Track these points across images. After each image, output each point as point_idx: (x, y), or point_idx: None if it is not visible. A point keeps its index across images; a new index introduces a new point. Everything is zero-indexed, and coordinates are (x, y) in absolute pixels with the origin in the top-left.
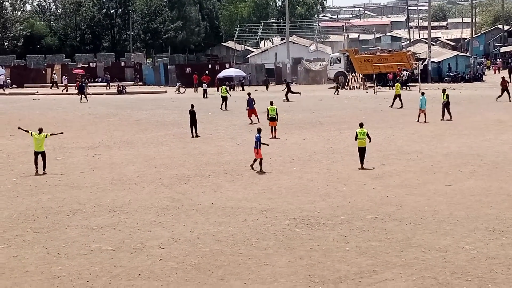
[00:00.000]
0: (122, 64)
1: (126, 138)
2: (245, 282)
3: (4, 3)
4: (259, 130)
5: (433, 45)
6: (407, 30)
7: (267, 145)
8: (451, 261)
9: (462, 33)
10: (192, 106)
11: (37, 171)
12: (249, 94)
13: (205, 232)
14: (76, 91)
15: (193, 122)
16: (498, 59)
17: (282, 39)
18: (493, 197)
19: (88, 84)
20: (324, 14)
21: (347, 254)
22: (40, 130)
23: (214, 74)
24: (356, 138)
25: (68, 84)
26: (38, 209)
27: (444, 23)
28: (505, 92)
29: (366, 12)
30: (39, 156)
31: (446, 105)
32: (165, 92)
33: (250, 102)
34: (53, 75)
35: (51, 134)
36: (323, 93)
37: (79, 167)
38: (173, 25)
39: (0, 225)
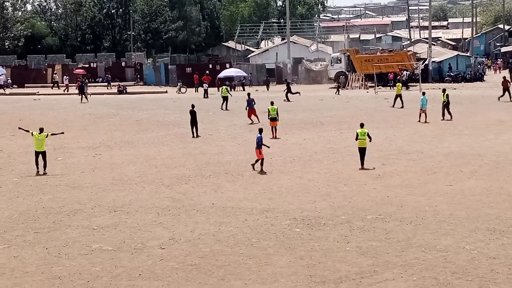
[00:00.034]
0: (123, 64)
1: (127, 138)
2: (245, 282)
3: (5, 3)
4: (260, 130)
5: (434, 45)
6: (407, 30)
7: (268, 147)
8: (452, 261)
9: (462, 33)
10: (193, 106)
11: (38, 171)
12: (248, 94)
13: (206, 232)
14: (77, 91)
15: (194, 122)
16: (498, 59)
17: (282, 39)
18: (493, 197)
19: (89, 84)
20: (325, 14)
21: (347, 254)
22: (41, 130)
23: (215, 74)
24: (356, 139)
25: (69, 84)
26: (38, 209)
27: (445, 23)
28: (507, 92)
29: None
30: (40, 156)
31: (446, 105)
32: (166, 92)
33: (250, 103)
34: (54, 75)
35: (52, 134)
36: (323, 93)
37: (79, 167)
38: (173, 25)
39: (0, 225)
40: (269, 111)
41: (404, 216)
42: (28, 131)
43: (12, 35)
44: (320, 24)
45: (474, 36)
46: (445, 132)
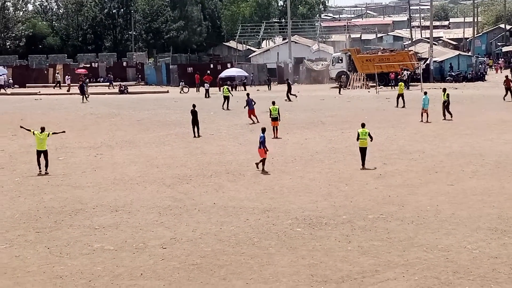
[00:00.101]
0: (124, 64)
1: (128, 138)
2: (247, 282)
3: (6, 3)
4: (263, 130)
5: (435, 44)
6: (409, 29)
7: (267, 150)
8: (453, 260)
9: (464, 32)
10: (194, 106)
11: (40, 171)
12: (248, 94)
13: (207, 232)
14: (79, 91)
15: (195, 122)
16: (500, 59)
17: (284, 39)
18: (495, 197)
19: (89, 84)
20: (326, 14)
21: (349, 253)
22: (42, 129)
23: (216, 74)
24: (357, 139)
25: (71, 84)
26: (40, 209)
27: (446, 23)
28: (509, 92)
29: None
30: (42, 156)
31: (446, 104)
32: (167, 92)
33: (249, 103)
34: (56, 74)
35: (53, 133)
36: (325, 93)
37: (81, 167)
38: (175, 25)
39: (2, 225)
40: (270, 111)
41: (405, 215)
42: (29, 130)
43: (14, 35)
44: (321, 24)
45: (475, 35)
46: (446, 131)
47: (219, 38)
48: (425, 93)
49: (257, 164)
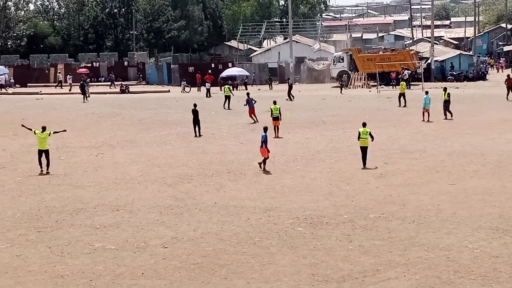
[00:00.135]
0: (125, 63)
1: (129, 137)
2: (248, 281)
3: (8, 2)
4: (265, 129)
5: (436, 44)
6: (410, 29)
7: (268, 151)
8: (455, 260)
9: (465, 32)
10: (195, 105)
11: (41, 171)
12: (247, 94)
13: (208, 231)
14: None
15: (196, 121)
16: (501, 58)
17: (285, 38)
18: (496, 196)
19: (90, 83)
20: (327, 13)
21: (350, 253)
22: (44, 128)
23: (217, 74)
24: (358, 138)
25: (73, 84)
26: (41, 208)
27: (447, 22)
28: (511, 91)
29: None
30: (43, 155)
31: (446, 104)
32: (168, 91)
33: (250, 102)
34: (58, 74)
35: (54, 132)
36: (326, 92)
37: (82, 167)
38: (176, 24)
39: (3, 224)
40: (271, 110)
41: (406, 215)
42: (30, 129)
43: (15, 34)
44: (322, 23)
45: (476, 35)
46: (447, 131)
47: (220, 37)
48: (426, 92)
49: (260, 163)
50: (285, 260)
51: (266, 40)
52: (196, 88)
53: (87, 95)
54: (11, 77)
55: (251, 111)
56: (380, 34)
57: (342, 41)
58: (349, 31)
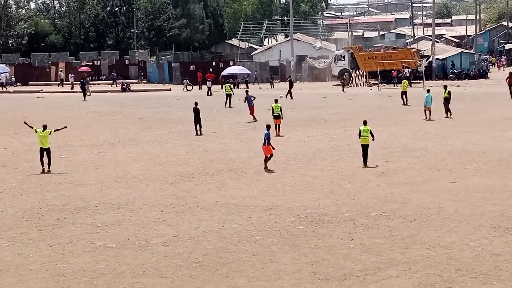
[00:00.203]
0: (126, 62)
1: (131, 136)
2: (249, 280)
3: (9, 1)
4: (268, 127)
5: (438, 42)
6: (411, 27)
7: (273, 148)
8: (456, 258)
9: (466, 30)
10: (196, 103)
11: (43, 170)
12: (247, 91)
13: (210, 230)
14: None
15: (197, 120)
16: (502, 56)
17: (286, 37)
18: (497, 194)
19: (91, 82)
20: (328, 12)
21: (351, 251)
22: (44, 127)
23: (218, 72)
24: (359, 136)
25: (74, 82)
26: (42, 207)
27: (449, 20)
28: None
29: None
30: (44, 154)
31: (446, 101)
32: (169, 90)
33: (249, 99)
34: (59, 72)
35: (55, 130)
36: (327, 91)
37: (83, 165)
38: (177, 22)
39: (5, 223)
40: (272, 109)
41: (408, 213)
42: (32, 127)
43: (16, 33)
44: (323, 21)
45: (478, 33)
46: (449, 129)
47: (221, 36)
48: (428, 90)
49: (265, 164)
50: (286, 259)
51: (267, 38)
52: (197, 86)
53: (88, 94)
54: (12, 76)
55: (252, 109)
56: (381, 32)
57: (343, 39)
58: (350, 29)
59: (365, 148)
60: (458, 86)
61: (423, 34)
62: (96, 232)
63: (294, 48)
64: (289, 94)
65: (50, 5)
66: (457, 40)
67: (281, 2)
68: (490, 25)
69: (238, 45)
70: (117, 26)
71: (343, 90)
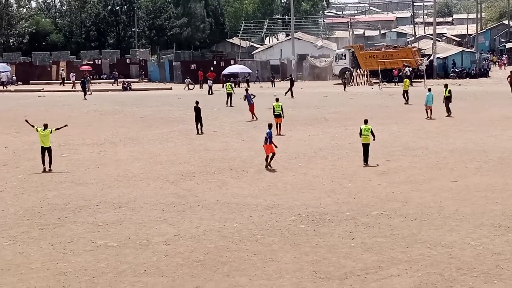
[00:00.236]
0: (127, 61)
1: (131, 134)
2: (250, 279)
3: (10, 0)
4: (270, 126)
5: (439, 41)
6: (412, 26)
7: (276, 146)
8: (457, 257)
9: (467, 29)
10: (197, 102)
11: (44, 169)
12: (246, 90)
13: (211, 229)
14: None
15: (198, 119)
16: (504, 55)
17: (287, 36)
18: (498, 193)
19: (92, 81)
20: (329, 10)
21: (352, 250)
22: (45, 126)
23: (219, 71)
24: (360, 135)
25: (76, 81)
26: (44, 206)
27: (450, 19)
28: None
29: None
30: (46, 152)
31: (447, 100)
32: (170, 88)
33: (249, 98)
34: (61, 71)
35: (56, 129)
36: (328, 90)
37: (84, 164)
38: (178, 21)
39: (6, 222)
40: (273, 108)
41: (409, 212)
42: (33, 126)
43: (17, 32)
44: (324, 20)
45: (479, 32)
46: (450, 128)
47: (222, 34)
48: (429, 89)
49: (270, 164)
50: (287, 257)
51: (268, 37)
52: (198, 85)
53: (90, 92)
54: (13, 75)
55: (252, 108)
56: (382, 31)
57: (344, 38)
58: (351, 28)
59: (365, 147)
60: (459, 85)
61: (424, 33)
62: (97, 231)
63: (295, 47)
64: (289, 93)
65: (51, 4)
66: (458, 39)
67: (282, 1)
68: (491, 24)
69: (239, 44)
70: (118, 25)
71: (344, 89)
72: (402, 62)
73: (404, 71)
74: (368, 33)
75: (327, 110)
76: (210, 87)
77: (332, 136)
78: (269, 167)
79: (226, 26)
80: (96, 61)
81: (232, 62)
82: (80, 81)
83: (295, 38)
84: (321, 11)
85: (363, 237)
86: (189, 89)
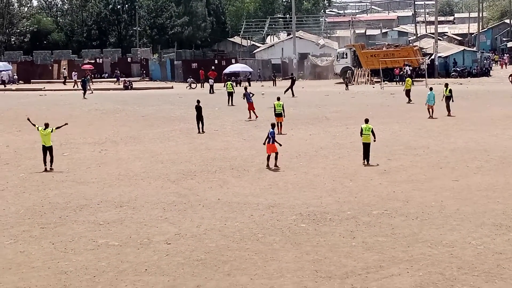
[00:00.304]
0: (129, 59)
1: (133, 133)
2: (251, 278)
3: None
4: (273, 125)
5: (440, 40)
6: (413, 25)
7: (280, 144)
8: (458, 256)
9: (469, 28)
10: (198, 101)
11: (45, 168)
12: (245, 88)
13: (212, 228)
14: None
15: (199, 118)
16: (505, 54)
17: (288, 34)
18: (500, 192)
19: (94, 79)
20: (331, 9)
21: (353, 249)
22: (46, 125)
23: (221, 70)
24: (361, 134)
25: (77, 80)
26: (45, 205)
27: (451, 18)
28: None
29: (372, 7)
30: (47, 152)
31: (447, 100)
32: (172, 87)
33: (248, 96)
34: (62, 70)
35: (57, 128)
36: (329, 89)
37: (85, 163)
38: (179, 20)
39: (7, 221)
40: (274, 107)
41: (410, 211)
42: (34, 125)
43: (18, 31)
44: (326, 19)
45: (480, 31)
46: (451, 127)
47: (223, 33)
48: (431, 89)
49: (275, 164)
50: (288, 257)
51: (269, 36)
52: (200, 84)
53: (91, 91)
54: (15, 73)
55: (250, 106)
56: (383, 30)
57: (346, 37)
58: (352, 27)
59: (366, 146)
60: (461, 84)
61: (426, 32)
62: (98, 230)
63: (296, 46)
64: (290, 91)
65: (53, 3)
66: (459, 38)
67: (283, 0)
68: (493, 23)
69: (240, 43)
70: (119, 24)
71: (346, 88)
72: (403, 61)
73: (405, 70)
74: (369, 32)
75: (328, 109)
76: (212, 86)
77: (333, 135)
78: (276, 167)
79: (227, 25)
80: (98, 60)
81: (233, 61)
82: (80, 80)
83: (296, 37)
84: (322, 10)
85: (364, 236)
86: (191, 88)
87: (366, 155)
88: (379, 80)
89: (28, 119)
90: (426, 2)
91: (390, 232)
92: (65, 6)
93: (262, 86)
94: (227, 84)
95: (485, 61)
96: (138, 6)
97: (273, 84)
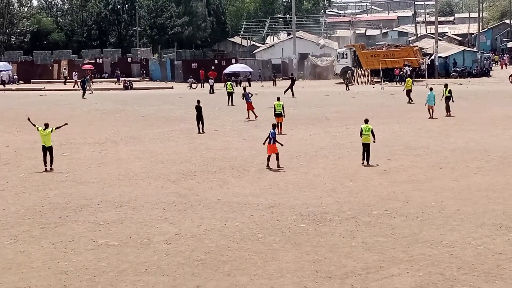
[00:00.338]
0: (129, 59)
1: (133, 133)
2: (251, 278)
3: None
4: (274, 126)
5: (440, 40)
6: (414, 25)
7: (282, 144)
8: (458, 256)
9: (469, 28)
10: (198, 101)
11: (46, 169)
12: (244, 88)
13: (212, 228)
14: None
15: (200, 118)
16: (505, 54)
17: (288, 35)
18: (500, 193)
19: (94, 79)
20: (331, 9)
21: (353, 249)
22: (46, 126)
23: (221, 70)
24: (361, 134)
25: (78, 80)
26: (45, 205)
27: (451, 18)
28: None
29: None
30: (47, 152)
31: (447, 100)
32: (172, 87)
33: (247, 96)
34: (63, 70)
35: (56, 128)
36: (329, 89)
37: (85, 163)
38: (179, 20)
39: (7, 221)
40: (274, 107)
41: (410, 211)
42: (34, 125)
43: (18, 30)
44: (326, 19)
45: (480, 31)
46: (451, 127)
47: (223, 33)
48: (431, 89)
49: (278, 164)
50: (288, 257)
51: (269, 36)
52: (200, 84)
53: (91, 91)
54: (15, 73)
55: (249, 106)
56: (383, 30)
57: (346, 37)
58: (352, 27)
59: (366, 146)
60: (461, 84)
61: (426, 32)
62: (98, 230)
63: (296, 46)
64: (290, 91)
65: (53, 3)
66: (459, 38)
67: (283, 0)
68: (493, 23)
69: (240, 43)
70: (119, 24)
71: (347, 88)
72: (403, 61)
73: (404, 70)
74: (369, 32)
75: (328, 109)
76: (212, 86)
77: (333, 135)
78: (279, 167)
79: (227, 25)
80: (98, 60)
81: (233, 61)
82: (80, 80)
83: (296, 37)
84: (322, 10)
85: (364, 236)
86: (192, 88)
87: (366, 156)
88: (379, 80)
89: (28, 119)
90: (426, 2)
91: (390, 232)
92: (65, 6)
93: (262, 86)
94: (227, 84)
95: (485, 62)
96: (138, 6)
97: (273, 84)
